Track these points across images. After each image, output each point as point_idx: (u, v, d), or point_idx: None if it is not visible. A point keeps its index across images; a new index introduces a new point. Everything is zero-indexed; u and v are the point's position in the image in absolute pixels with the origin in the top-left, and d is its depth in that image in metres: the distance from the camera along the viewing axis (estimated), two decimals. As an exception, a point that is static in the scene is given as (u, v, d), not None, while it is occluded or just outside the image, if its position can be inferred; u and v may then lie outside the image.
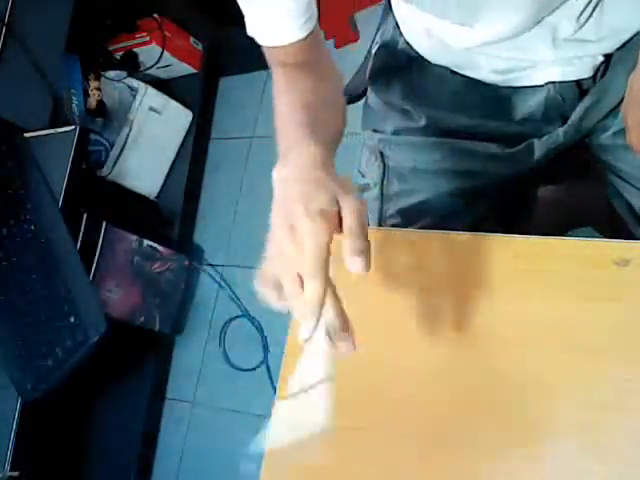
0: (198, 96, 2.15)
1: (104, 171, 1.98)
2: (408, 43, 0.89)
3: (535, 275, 0.70)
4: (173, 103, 2.08)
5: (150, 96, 2.02)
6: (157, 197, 2.11)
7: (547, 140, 0.87)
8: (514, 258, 0.71)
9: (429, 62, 0.89)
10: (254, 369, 1.88)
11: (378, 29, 0.98)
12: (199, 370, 2.01)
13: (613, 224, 0.90)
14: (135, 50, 2.06)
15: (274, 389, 1.81)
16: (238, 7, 0.79)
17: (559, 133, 0.87)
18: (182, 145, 2.12)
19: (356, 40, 1.93)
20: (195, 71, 2.14)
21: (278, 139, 0.72)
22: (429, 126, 0.91)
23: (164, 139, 2.09)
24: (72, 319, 1.38)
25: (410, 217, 0.90)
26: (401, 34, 0.90)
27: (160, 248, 1.93)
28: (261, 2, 0.76)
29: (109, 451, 1.93)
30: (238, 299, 1.96)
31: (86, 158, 1.65)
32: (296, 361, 0.67)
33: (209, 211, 2.13)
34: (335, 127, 0.78)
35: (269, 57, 0.83)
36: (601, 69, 0.82)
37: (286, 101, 0.77)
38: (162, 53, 2.03)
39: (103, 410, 1.96)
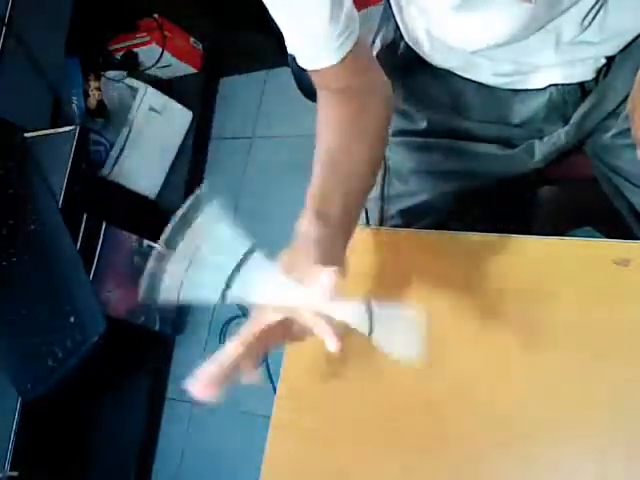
0: (198, 96, 2.15)
1: (104, 171, 1.98)
2: (409, 45, 0.89)
3: (535, 275, 0.70)
4: (173, 103, 2.08)
5: (150, 96, 2.02)
6: (157, 197, 2.11)
7: (548, 141, 0.87)
8: (514, 258, 0.71)
9: (430, 64, 0.89)
10: (254, 369, 1.88)
11: (378, 30, 0.97)
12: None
13: (613, 224, 0.90)
14: (135, 50, 2.06)
15: (274, 389, 1.81)
16: (238, 8, 0.79)
17: (560, 134, 0.87)
18: (182, 145, 2.12)
19: (356, 40, 1.93)
20: (195, 71, 2.14)
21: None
22: (430, 128, 0.91)
23: (164, 139, 2.09)
24: (72, 319, 1.38)
25: (411, 218, 0.90)
26: (402, 36, 0.89)
27: (160, 248, 1.92)
28: (292, 24, 0.73)
29: (109, 451, 1.93)
30: (238, 299, 1.96)
31: (86, 158, 1.64)
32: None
33: (209, 211, 2.13)
34: (349, 213, 0.73)
35: (312, 77, 0.78)
36: (603, 71, 0.82)
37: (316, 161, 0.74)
38: (162, 53, 2.03)
39: (103, 410, 1.96)
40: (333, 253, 0.66)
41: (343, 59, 0.74)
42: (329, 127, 0.76)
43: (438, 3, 0.74)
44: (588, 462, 0.62)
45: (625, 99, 0.77)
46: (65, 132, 1.57)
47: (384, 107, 0.81)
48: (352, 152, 0.75)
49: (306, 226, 0.67)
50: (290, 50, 0.76)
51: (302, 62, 0.76)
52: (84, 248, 1.62)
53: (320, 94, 0.79)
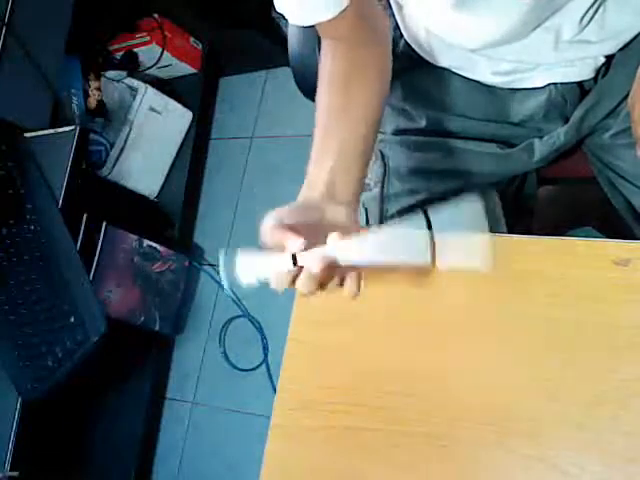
0: (198, 96, 2.15)
1: (104, 171, 1.98)
2: (408, 44, 0.89)
3: (535, 275, 0.70)
4: (173, 103, 2.08)
5: (150, 96, 2.02)
6: (157, 197, 2.11)
7: (548, 140, 0.88)
8: (514, 258, 0.71)
9: (430, 63, 0.89)
10: (254, 369, 1.88)
11: (378, 29, 0.97)
12: (199, 370, 2.01)
13: (613, 224, 0.90)
14: (135, 50, 2.06)
15: (274, 389, 1.81)
16: (238, 8, 0.78)
17: (560, 133, 0.87)
18: (182, 145, 2.12)
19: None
20: (195, 71, 2.14)
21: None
22: (429, 127, 0.91)
23: (164, 139, 2.09)
24: (72, 319, 1.38)
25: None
26: (402, 35, 0.90)
27: (160, 248, 1.93)
28: None
29: (109, 451, 1.93)
30: (238, 299, 1.96)
31: (86, 158, 1.64)
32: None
33: (209, 211, 2.13)
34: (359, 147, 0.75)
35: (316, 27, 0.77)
36: (602, 70, 0.82)
37: (321, 109, 0.75)
38: (162, 53, 2.03)
39: (103, 410, 1.96)
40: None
41: (341, 12, 0.71)
42: (333, 69, 0.76)
43: (437, 1, 0.74)
44: (588, 462, 0.62)
45: (624, 98, 0.77)
46: (65, 132, 1.56)
47: (387, 58, 0.80)
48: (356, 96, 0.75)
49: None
50: (279, 7, 0.73)
51: (294, 19, 0.74)
52: (84, 248, 1.62)
53: (323, 43, 0.76)
